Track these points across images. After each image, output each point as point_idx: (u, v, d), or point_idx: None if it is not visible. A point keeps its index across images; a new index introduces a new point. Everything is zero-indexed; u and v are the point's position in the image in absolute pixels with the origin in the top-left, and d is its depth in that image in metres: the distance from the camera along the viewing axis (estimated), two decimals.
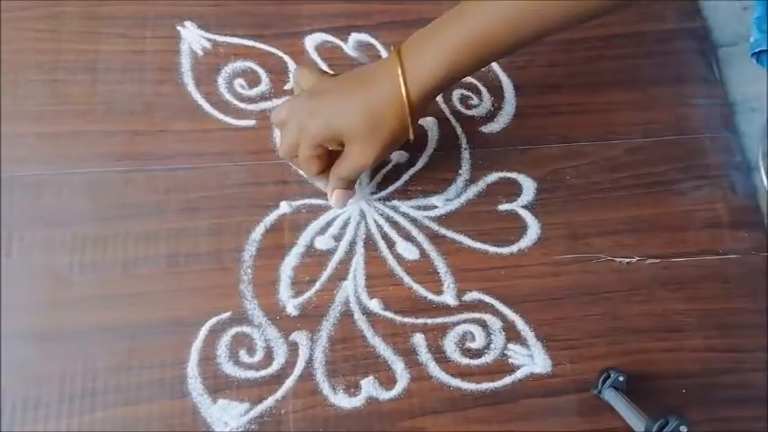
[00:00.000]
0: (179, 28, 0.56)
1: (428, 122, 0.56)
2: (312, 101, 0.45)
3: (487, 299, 0.51)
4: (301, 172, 0.51)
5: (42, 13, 0.55)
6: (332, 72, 0.51)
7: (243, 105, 0.55)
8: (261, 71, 0.56)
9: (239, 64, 0.56)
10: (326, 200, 0.52)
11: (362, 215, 0.53)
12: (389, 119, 0.44)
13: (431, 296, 0.51)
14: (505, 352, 0.50)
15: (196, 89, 0.55)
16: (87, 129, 0.52)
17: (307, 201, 0.52)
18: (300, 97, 0.46)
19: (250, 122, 0.54)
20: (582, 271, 0.53)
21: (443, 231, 0.53)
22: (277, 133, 0.54)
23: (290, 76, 0.50)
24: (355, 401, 0.47)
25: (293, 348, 0.48)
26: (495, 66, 0.59)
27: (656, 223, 0.55)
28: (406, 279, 0.51)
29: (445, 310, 0.51)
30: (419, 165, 0.55)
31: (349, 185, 0.48)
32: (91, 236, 0.49)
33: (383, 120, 0.43)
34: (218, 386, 0.46)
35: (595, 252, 0.54)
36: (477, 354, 0.50)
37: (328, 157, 0.47)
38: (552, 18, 0.42)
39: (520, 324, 0.51)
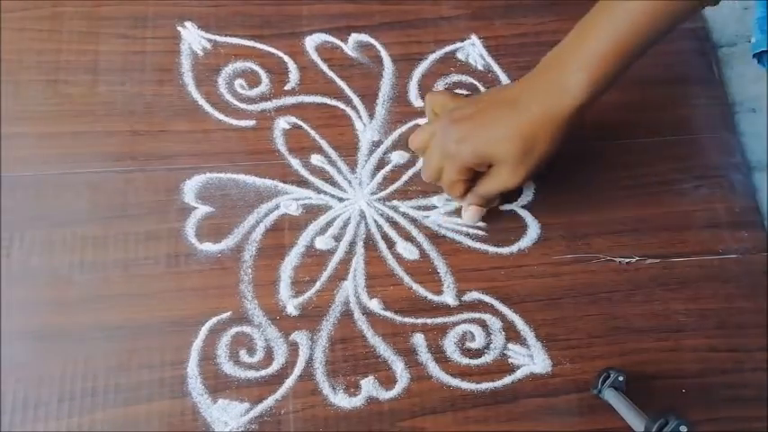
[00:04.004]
0: (179, 28, 0.56)
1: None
2: (457, 126, 0.45)
3: (487, 299, 0.51)
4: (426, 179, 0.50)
5: (42, 13, 0.55)
6: (464, 93, 0.52)
7: (243, 106, 0.55)
8: (261, 71, 0.56)
9: (239, 64, 0.56)
10: (326, 200, 0.52)
11: (362, 215, 0.53)
12: (542, 140, 0.43)
13: (431, 296, 0.51)
14: (505, 352, 0.50)
15: (196, 89, 0.55)
16: (88, 129, 0.52)
17: (307, 201, 0.52)
18: (442, 122, 0.46)
19: (250, 123, 0.54)
20: (582, 271, 0.53)
21: (443, 231, 0.53)
22: (277, 133, 0.54)
23: (424, 102, 0.51)
24: (355, 401, 0.47)
25: (293, 348, 0.48)
26: (494, 66, 0.59)
27: (656, 223, 0.55)
28: (406, 279, 0.51)
29: (445, 310, 0.51)
30: (419, 165, 0.55)
31: (488, 203, 0.50)
32: (91, 236, 0.49)
33: (535, 141, 0.43)
34: (219, 386, 0.47)
35: (595, 252, 0.54)
36: (477, 354, 0.50)
37: (469, 184, 0.48)
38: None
39: (520, 324, 0.51)
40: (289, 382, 0.47)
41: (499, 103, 0.45)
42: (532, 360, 0.50)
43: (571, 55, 0.43)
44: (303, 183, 0.53)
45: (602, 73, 0.42)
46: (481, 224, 0.53)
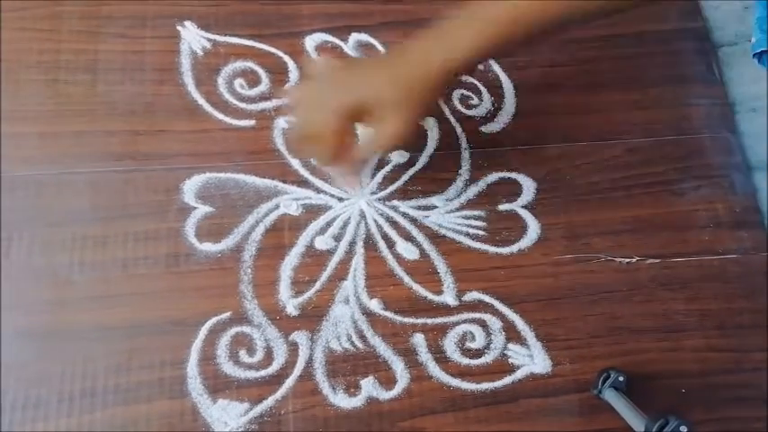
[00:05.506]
0: (179, 28, 0.56)
1: (428, 122, 0.56)
2: (337, 74, 0.45)
3: (487, 299, 0.51)
4: (312, 159, 0.51)
5: (42, 13, 0.55)
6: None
7: (243, 105, 0.55)
8: (261, 71, 0.56)
9: (239, 64, 0.56)
10: (326, 200, 0.52)
11: (362, 215, 0.53)
12: (419, 88, 0.42)
13: (431, 296, 0.51)
14: (505, 352, 0.50)
15: (196, 89, 0.55)
16: (87, 129, 0.52)
17: (307, 201, 0.52)
18: (324, 75, 0.46)
19: (250, 122, 0.54)
20: (582, 271, 0.53)
21: (443, 231, 0.53)
22: (277, 132, 0.54)
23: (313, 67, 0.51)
24: (355, 401, 0.47)
25: (293, 348, 0.48)
26: (495, 66, 0.59)
27: (656, 223, 0.55)
28: (406, 279, 0.51)
29: (445, 310, 0.51)
30: (419, 165, 0.55)
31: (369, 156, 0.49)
32: (91, 236, 0.49)
33: (413, 88, 0.42)
34: (218, 386, 0.46)
35: (595, 252, 0.54)
36: (477, 354, 0.50)
37: (348, 140, 0.45)
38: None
39: (520, 324, 0.51)
40: (289, 382, 0.47)
41: (381, 59, 0.46)
42: (532, 360, 0.50)
43: (463, 18, 0.43)
44: (303, 182, 0.53)
45: (492, 35, 0.42)
46: (481, 224, 0.53)
